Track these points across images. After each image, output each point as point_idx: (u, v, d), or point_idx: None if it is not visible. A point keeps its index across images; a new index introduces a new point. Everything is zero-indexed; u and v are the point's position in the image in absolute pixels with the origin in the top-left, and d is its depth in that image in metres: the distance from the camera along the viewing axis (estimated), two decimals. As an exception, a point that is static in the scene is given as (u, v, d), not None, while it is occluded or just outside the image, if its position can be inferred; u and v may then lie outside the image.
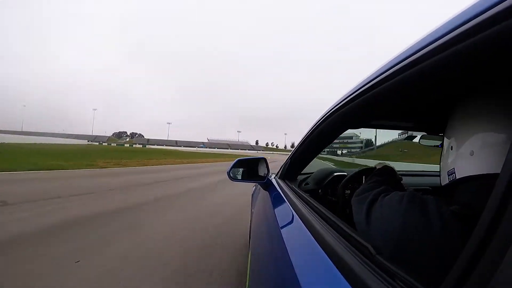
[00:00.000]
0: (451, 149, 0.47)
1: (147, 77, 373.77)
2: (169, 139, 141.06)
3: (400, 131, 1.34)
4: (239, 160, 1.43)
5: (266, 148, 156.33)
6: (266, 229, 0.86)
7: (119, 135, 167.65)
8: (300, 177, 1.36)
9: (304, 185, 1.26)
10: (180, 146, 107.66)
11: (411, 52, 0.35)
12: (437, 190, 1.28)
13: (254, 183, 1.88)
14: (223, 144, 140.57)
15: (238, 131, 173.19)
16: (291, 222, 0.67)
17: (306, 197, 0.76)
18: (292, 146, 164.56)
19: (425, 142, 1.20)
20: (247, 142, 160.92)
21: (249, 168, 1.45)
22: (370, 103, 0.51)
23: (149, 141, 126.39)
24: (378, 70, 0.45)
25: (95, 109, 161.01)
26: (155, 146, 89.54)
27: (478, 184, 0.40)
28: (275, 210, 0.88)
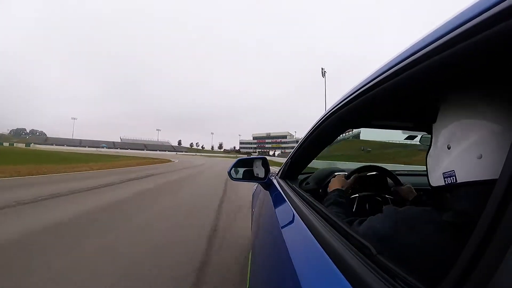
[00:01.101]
0: (448, 148, 0.43)
1: (55, 67, 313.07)
2: (74, 138, 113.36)
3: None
4: (240, 159, 1.44)
5: (190, 149, 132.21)
6: (267, 229, 0.86)
7: (17, 132, 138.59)
8: (300, 177, 1.36)
9: (305, 184, 1.26)
10: (85, 147, 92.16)
11: (411, 52, 0.36)
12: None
13: (255, 183, 1.89)
14: (139, 144, 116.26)
15: (158, 129, 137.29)
16: (292, 221, 0.68)
17: (307, 196, 0.76)
18: (220, 147, 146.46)
19: (426, 142, 1.20)
20: (167, 142, 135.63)
21: (250, 167, 1.45)
22: (370, 103, 0.51)
23: (47, 140, 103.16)
24: (378, 70, 0.45)
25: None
26: (52, 146, 74.58)
27: (482, 190, 0.36)
28: (276, 209, 0.88)
